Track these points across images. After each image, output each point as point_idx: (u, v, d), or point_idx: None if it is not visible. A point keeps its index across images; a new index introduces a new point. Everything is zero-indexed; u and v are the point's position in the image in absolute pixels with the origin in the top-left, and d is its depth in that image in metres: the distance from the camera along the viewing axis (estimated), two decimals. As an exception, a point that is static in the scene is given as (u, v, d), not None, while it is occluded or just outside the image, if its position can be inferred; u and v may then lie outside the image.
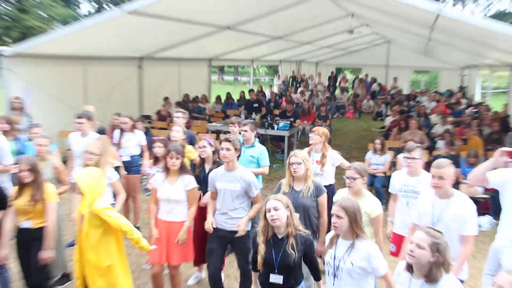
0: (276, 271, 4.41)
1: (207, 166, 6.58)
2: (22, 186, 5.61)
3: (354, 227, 4.10)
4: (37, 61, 12.04)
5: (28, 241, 5.71)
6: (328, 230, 5.53)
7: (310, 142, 7.33)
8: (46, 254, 5.55)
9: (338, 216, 4.10)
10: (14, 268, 6.24)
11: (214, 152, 6.58)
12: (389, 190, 6.30)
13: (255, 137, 7.68)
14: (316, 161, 7.15)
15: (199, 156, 6.69)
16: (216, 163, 6.47)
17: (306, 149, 7.29)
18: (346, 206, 4.10)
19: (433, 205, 4.98)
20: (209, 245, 6.02)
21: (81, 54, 13.24)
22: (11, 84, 11.36)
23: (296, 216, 4.63)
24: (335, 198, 5.33)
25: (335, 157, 7.35)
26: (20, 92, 11.40)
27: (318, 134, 7.22)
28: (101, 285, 5.13)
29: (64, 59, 12.89)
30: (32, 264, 5.68)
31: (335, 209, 4.14)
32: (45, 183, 5.70)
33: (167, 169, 5.91)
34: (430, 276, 3.61)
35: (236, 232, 5.71)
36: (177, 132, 7.43)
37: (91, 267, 5.13)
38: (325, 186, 5.99)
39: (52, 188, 5.75)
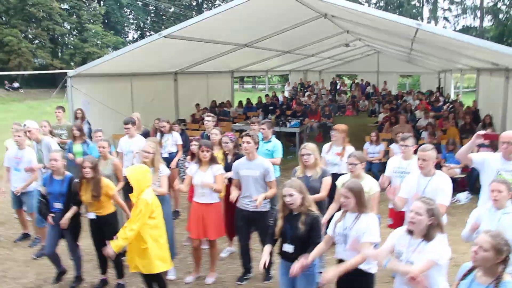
0: (288, 241, 4.40)
1: (229, 158, 6.60)
2: (83, 181, 5.60)
3: (359, 205, 4.13)
4: (94, 79, 12.15)
5: (100, 226, 5.75)
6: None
7: (332, 138, 7.23)
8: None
9: (346, 197, 4.12)
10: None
11: (235, 146, 6.57)
12: (385, 174, 6.17)
13: (272, 134, 7.62)
14: (336, 153, 7.07)
15: (223, 150, 6.69)
16: (236, 155, 6.45)
17: (328, 144, 7.27)
18: (352, 187, 4.14)
19: (418, 181, 5.09)
20: (236, 223, 6.08)
21: (128, 72, 13.31)
22: (74, 98, 11.47)
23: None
24: (338, 183, 5.35)
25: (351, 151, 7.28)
26: (81, 104, 11.53)
27: (339, 131, 7.13)
28: (138, 263, 5.13)
29: (115, 76, 12.98)
30: (105, 242, 5.67)
31: (343, 191, 4.16)
32: (102, 179, 5.69)
33: (200, 160, 5.89)
34: (428, 235, 3.61)
35: (257, 212, 5.70)
36: (215, 135, 7.36)
37: (132, 247, 5.13)
38: (342, 174, 6.02)
39: (109, 181, 5.74)
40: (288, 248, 4.41)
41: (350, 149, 7.12)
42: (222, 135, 6.96)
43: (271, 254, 4.71)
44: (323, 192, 5.64)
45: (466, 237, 4.57)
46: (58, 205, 5.88)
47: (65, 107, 10.39)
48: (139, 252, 5.08)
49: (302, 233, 4.30)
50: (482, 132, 4.99)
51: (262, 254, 4.59)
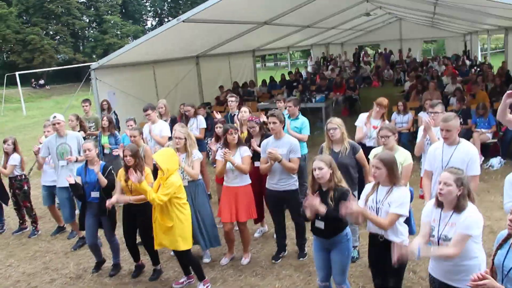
0: (320, 217, 4.35)
1: (257, 139, 6.55)
2: (126, 168, 5.67)
3: (391, 176, 4.07)
4: (117, 70, 12.22)
5: (134, 214, 5.80)
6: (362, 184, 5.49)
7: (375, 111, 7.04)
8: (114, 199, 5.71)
9: (377, 167, 4.07)
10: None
11: (260, 128, 6.55)
12: (417, 141, 6.05)
13: (299, 110, 7.57)
14: (373, 126, 6.92)
15: (249, 133, 6.67)
16: (264, 135, 6.44)
17: (365, 114, 7.15)
18: (384, 158, 4.08)
19: (443, 151, 4.94)
20: (269, 206, 6.10)
21: (149, 59, 13.34)
22: (99, 90, 11.57)
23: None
24: (370, 155, 5.25)
25: None
26: (106, 96, 11.65)
27: (381, 106, 6.94)
28: (162, 238, 5.28)
29: (137, 65, 13.02)
30: (140, 230, 5.90)
31: (374, 162, 4.10)
32: (145, 166, 5.75)
33: (227, 144, 5.87)
34: (459, 206, 3.51)
35: (286, 191, 5.70)
36: (245, 112, 7.37)
37: (158, 225, 5.26)
38: (376, 146, 5.89)
39: (149, 170, 5.80)
40: (320, 224, 4.39)
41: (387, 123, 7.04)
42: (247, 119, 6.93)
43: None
44: (366, 166, 5.59)
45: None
46: (95, 194, 5.98)
47: (91, 100, 10.50)
48: (164, 230, 5.23)
49: (332, 210, 4.23)
50: (510, 91, 4.71)
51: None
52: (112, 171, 6.06)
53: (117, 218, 6.22)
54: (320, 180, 4.32)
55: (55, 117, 7.10)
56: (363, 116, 7.13)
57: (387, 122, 6.87)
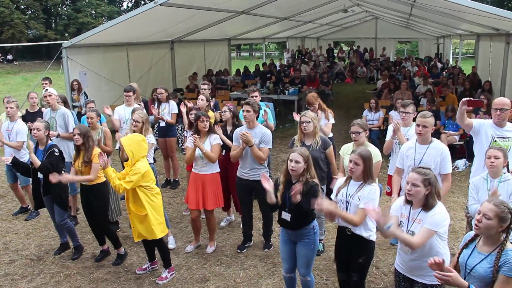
0: (286, 209, 4.39)
1: (228, 128, 6.55)
2: (77, 149, 5.63)
3: (366, 173, 4.12)
4: (89, 50, 12.05)
5: (87, 197, 5.76)
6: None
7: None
8: (53, 178, 5.46)
9: (356, 163, 4.10)
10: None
11: (233, 117, 6.54)
12: (386, 139, 6.15)
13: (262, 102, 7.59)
14: None
15: (221, 119, 6.63)
16: (235, 125, 6.43)
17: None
18: (364, 154, 4.11)
19: (415, 150, 5.09)
20: (238, 193, 6.12)
21: (124, 41, 13.17)
22: (70, 70, 11.42)
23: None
24: (341, 151, 5.39)
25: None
26: (77, 75, 11.45)
27: (310, 104, 6.93)
28: (140, 229, 5.20)
29: (111, 46, 12.85)
30: (94, 213, 5.78)
31: (354, 157, 4.11)
32: (94, 147, 5.68)
33: (198, 131, 5.84)
34: (427, 205, 3.59)
35: (257, 181, 5.70)
36: (202, 100, 7.36)
37: (133, 215, 5.19)
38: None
39: (99, 151, 5.71)
40: (286, 216, 4.41)
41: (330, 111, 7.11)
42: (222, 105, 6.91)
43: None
44: (333, 163, 5.69)
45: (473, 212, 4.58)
46: (41, 175, 5.90)
47: (60, 78, 10.27)
48: (140, 219, 5.15)
49: (299, 202, 4.25)
50: (465, 99, 4.94)
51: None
52: (55, 153, 5.86)
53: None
54: (293, 173, 4.33)
55: (47, 89, 7.29)
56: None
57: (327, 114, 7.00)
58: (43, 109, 8.06)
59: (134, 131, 5.94)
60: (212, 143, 5.84)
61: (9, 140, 7.13)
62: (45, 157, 5.78)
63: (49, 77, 9.96)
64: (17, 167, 6.06)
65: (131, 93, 7.80)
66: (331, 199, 4.38)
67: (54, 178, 5.47)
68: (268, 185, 4.38)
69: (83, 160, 5.59)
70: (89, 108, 7.69)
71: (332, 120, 7.07)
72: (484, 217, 3.07)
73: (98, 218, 5.82)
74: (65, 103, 8.09)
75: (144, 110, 7.44)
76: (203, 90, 8.40)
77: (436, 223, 3.53)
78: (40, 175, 5.91)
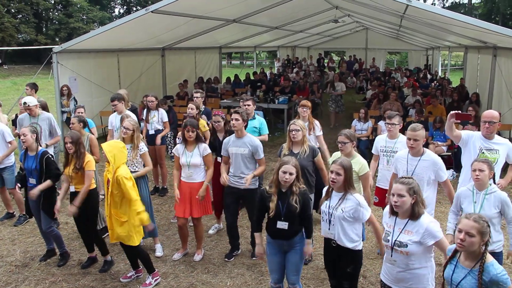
0: (282, 218, 4.38)
1: (220, 135, 6.55)
2: (68, 156, 5.59)
3: (347, 183, 4.13)
4: (80, 55, 12.01)
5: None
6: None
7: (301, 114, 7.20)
8: (72, 209, 5.54)
9: (338, 173, 4.10)
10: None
11: (225, 124, 6.55)
12: (372, 151, 6.23)
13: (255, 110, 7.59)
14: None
15: (213, 128, 6.62)
16: (228, 132, 6.43)
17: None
18: (345, 165, 4.12)
19: (407, 161, 5.15)
20: (225, 201, 6.09)
21: (114, 47, 13.14)
22: (60, 75, 11.38)
23: None
24: (330, 160, 5.40)
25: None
26: (67, 81, 11.40)
27: (305, 106, 7.11)
28: (119, 231, 5.17)
29: (101, 52, 12.81)
30: (82, 219, 5.73)
31: (335, 167, 4.12)
32: (85, 153, 5.65)
33: (185, 140, 5.84)
34: (414, 214, 3.62)
35: (247, 189, 5.69)
36: (191, 109, 7.39)
37: (113, 219, 5.17)
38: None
39: (90, 158, 5.69)
40: (283, 225, 4.39)
41: (316, 122, 7.24)
42: (213, 114, 6.90)
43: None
44: (324, 169, 5.68)
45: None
46: (32, 181, 5.85)
47: (51, 84, 10.19)
48: (119, 223, 5.15)
49: (296, 210, 4.28)
50: (453, 112, 5.06)
51: (257, 244, 4.69)
52: (51, 159, 5.87)
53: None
54: (285, 184, 4.33)
55: (25, 103, 7.26)
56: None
57: (316, 122, 7.16)
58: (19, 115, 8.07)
59: (124, 138, 5.91)
60: (203, 154, 5.84)
61: None
62: (46, 166, 5.77)
63: (34, 83, 9.79)
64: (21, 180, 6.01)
65: (115, 102, 7.83)
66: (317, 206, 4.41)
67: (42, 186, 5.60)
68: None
69: (74, 167, 5.55)
70: (78, 113, 7.68)
71: (319, 132, 7.15)
72: (467, 235, 3.10)
73: (89, 224, 5.78)
74: (44, 108, 8.06)
75: (134, 117, 7.45)
76: (195, 98, 8.41)
77: (436, 232, 3.58)
78: (34, 181, 5.84)
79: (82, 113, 7.68)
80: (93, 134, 7.32)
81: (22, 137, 5.79)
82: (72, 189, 5.71)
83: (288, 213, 4.33)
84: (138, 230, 5.23)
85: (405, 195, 3.57)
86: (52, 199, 5.91)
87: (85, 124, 7.07)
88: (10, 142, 7.18)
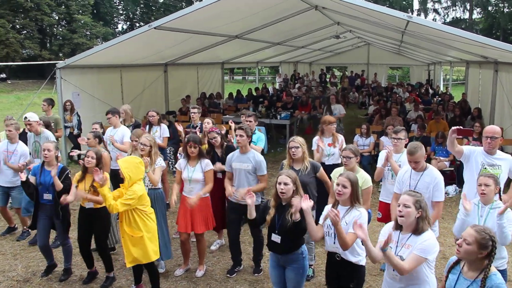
0: (276, 231, 4.38)
1: (218, 150, 6.57)
2: (85, 171, 5.56)
3: (353, 197, 4.13)
4: (83, 71, 12.07)
5: (90, 219, 5.68)
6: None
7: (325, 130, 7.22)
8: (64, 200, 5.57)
9: (344, 186, 4.10)
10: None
11: (221, 138, 6.56)
12: (377, 165, 6.20)
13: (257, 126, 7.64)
14: (328, 144, 7.13)
15: (210, 144, 6.61)
16: (223, 146, 6.50)
17: (316, 137, 7.23)
18: (352, 178, 4.13)
19: (410, 176, 5.20)
20: (228, 216, 6.10)
21: (117, 63, 13.21)
22: (63, 90, 11.44)
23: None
24: (333, 174, 5.40)
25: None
26: (70, 96, 11.46)
27: (328, 122, 7.15)
28: (134, 253, 5.11)
29: (105, 68, 12.88)
30: (96, 235, 5.74)
31: (342, 180, 4.12)
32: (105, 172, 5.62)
33: (188, 155, 5.84)
34: (417, 229, 3.61)
35: None
36: (208, 123, 7.41)
37: (126, 237, 5.11)
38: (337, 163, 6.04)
39: (107, 174, 5.68)
40: (276, 238, 4.39)
41: (340, 137, 7.22)
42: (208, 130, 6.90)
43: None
44: (328, 182, 5.67)
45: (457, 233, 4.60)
46: (47, 197, 5.82)
47: (54, 99, 10.27)
48: (134, 242, 5.07)
49: (289, 225, 4.25)
50: (455, 127, 5.11)
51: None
52: (69, 175, 5.91)
53: (71, 222, 6.07)
54: (283, 196, 4.32)
55: (26, 118, 7.25)
56: (315, 139, 7.23)
57: (340, 136, 7.06)
58: (1, 134, 8.06)
59: (142, 155, 5.85)
60: (205, 169, 5.84)
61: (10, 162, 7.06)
62: (62, 179, 5.76)
63: (51, 99, 9.97)
64: (27, 188, 5.91)
65: (109, 115, 7.94)
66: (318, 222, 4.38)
67: (64, 200, 5.55)
68: (251, 200, 4.41)
69: (92, 185, 5.49)
70: (94, 129, 7.63)
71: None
72: (464, 242, 3.13)
73: (101, 240, 5.75)
74: (47, 126, 8.09)
75: (128, 132, 7.50)
76: (192, 114, 8.47)
77: (426, 250, 3.53)
78: (49, 197, 5.82)
79: (97, 129, 7.65)
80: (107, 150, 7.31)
81: (45, 152, 5.80)
82: (90, 205, 5.65)
83: (282, 226, 4.32)
84: (153, 246, 5.18)
85: (411, 207, 3.58)
86: (69, 214, 5.99)
87: (101, 140, 7.06)
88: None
